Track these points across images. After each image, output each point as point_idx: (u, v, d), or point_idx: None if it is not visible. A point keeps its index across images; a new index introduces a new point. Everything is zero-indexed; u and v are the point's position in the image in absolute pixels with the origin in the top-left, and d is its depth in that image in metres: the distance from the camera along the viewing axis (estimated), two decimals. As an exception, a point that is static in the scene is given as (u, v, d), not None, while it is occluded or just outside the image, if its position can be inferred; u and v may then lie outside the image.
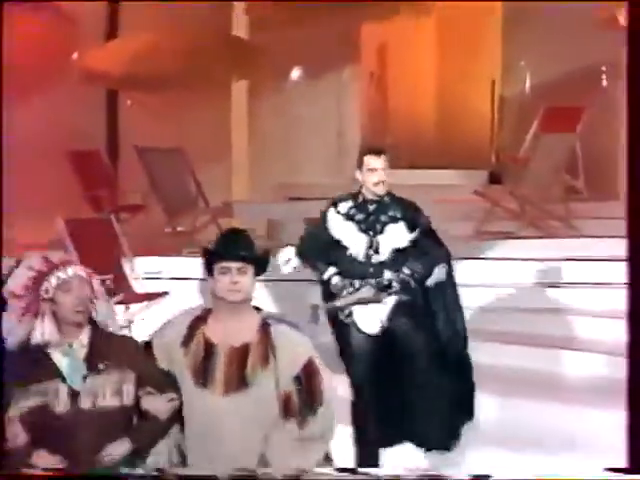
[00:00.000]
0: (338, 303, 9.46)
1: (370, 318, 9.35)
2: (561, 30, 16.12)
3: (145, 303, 12.13)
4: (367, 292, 9.39)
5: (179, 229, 14.57)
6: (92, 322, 6.83)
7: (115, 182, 15.42)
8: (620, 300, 11.65)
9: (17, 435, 6.82)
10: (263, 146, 16.68)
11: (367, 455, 9.31)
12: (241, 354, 6.91)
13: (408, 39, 16.94)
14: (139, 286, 12.48)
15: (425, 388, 9.47)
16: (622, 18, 14.95)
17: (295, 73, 17.00)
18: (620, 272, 11.94)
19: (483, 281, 11.07)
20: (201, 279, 10.38)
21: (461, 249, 10.58)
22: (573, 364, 11.33)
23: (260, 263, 6.88)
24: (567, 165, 14.89)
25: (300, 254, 9.63)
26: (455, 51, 16.94)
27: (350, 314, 9.36)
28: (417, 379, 9.43)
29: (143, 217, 14.52)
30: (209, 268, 6.83)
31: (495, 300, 11.92)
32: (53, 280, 6.80)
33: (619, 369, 9.82)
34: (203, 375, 6.92)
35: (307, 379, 6.92)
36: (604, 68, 16.36)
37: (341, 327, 9.43)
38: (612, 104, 15.75)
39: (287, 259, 9.60)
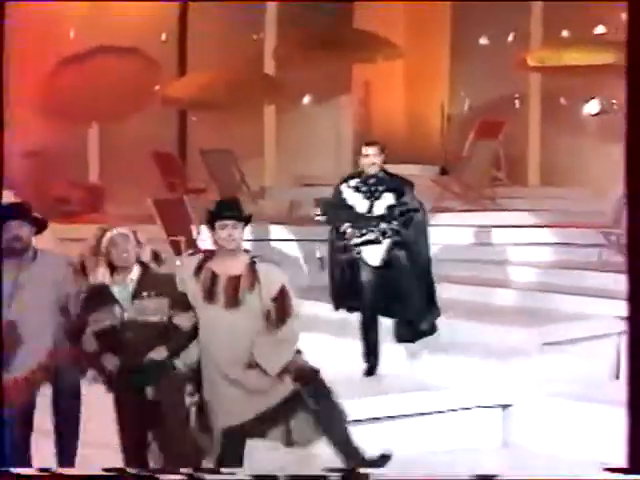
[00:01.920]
0: (352, 242, 9.44)
1: (373, 254, 9.46)
2: (488, 70, 16.41)
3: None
4: (370, 236, 9.43)
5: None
6: (141, 263, 6.97)
7: (184, 173, 15.74)
8: (528, 252, 12.58)
9: (92, 344, 6.85)
10: (285, 149, 16.79)
11: (370, 348, 9.51)
12: (235, 281, 6.94)
13: (384, 76, 16.91)
14: (201, 244, 12.12)
15: (407, 299, 9.51)
16: (530, 60, 15.17)
17: (306, 99, 17.20)
18: (527, 234, 12.95)
19: (438, 241, 10.90)
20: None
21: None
22: (499, 297, 11.43)
23: (246, 221, 7.03)
24: (493, 161, 15.45)
25: (324, 215, 9.73)
26: (417, 84, 17.03)
27: (359, 252, 9.44)
28: (402, 294, 9.49)
29: (204, 197, 14.31)
30: (212, 225, 6.96)
31: (446, 253, 11.94)
32: (104, 241, 6.83)
33: (530, 300, 11.11)
34: (210, 295, 6.92)
35: (281, 299, 6.96)
36: (517, 95, 16.64)
37: (350, 263, 9.53)
38: (523, 120, 16.45)
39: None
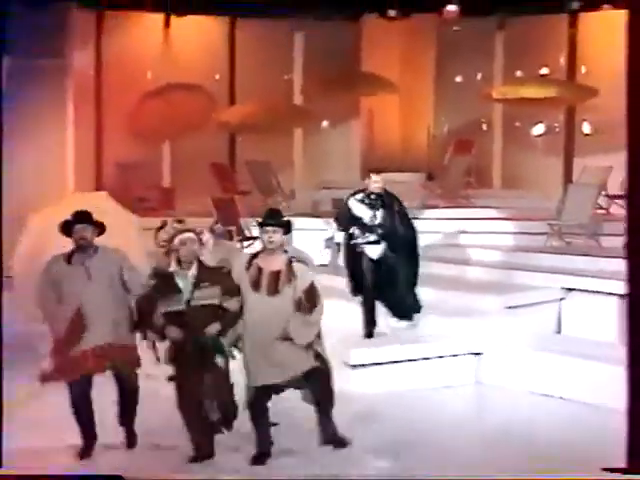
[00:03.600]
0: (358, 241, 9.48)
1: (374, 251, 9.48)
2: (462, 101, 16.31)
3: (251, 241, 12.12)
4: (371, 238, 9.46)
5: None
6: (199, 261, 6.90)
7: (234, 179, 15.60)
8: (493, 239, 12.25)
9: (160, 321, 6.77)
10: (309, 161, 16.72)
11: (369, 319, 9.50)
12: (276, 275, 6.88)
13: (384, 106, 16.64)
14: (248, 233, 12.42)
15: (399, 285, 9.52)
16: (494, 94, 15.15)
17: (325, 123, 16.95)
18: (492, 225, 12.74)
19: (426, 230, 10.82)
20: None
21: (413, 213, 10.55)
22: (472, 273, 11.30)
23: (286, 227, 6.94)
24: (466, 170, 15.29)
25: (338, 224, 9.65)
26: (409, 112, 16.70)
27: (362, 249, 9.47)
28: (395, 281, 9.52)
29: (249, 197, 14.42)
30: (260, 229, 6.93)
31: (433, 239, 11.80)
32: (177, 240, 6.82)
33: (495, 275, 10.94)
34: (256, 284, 6.86)
35: (309, 292, 6.90)
36: (484, 120, 16.44)
37: (357, 255, 9.54)
38: (488, 139, 16.33)
39: (333, 235, 9.65)
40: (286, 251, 7.02)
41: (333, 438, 7.06)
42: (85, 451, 7.00)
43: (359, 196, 9.52)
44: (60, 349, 6.86)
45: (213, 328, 6.75)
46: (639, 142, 5.61)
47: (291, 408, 7.34)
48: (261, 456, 6.91)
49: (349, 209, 9.57)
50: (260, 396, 6.89)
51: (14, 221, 11.86)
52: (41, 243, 8.87)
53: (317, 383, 6.93)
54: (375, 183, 9.41)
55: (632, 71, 5.78)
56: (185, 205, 13.64)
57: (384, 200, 9.47)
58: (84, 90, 14.25)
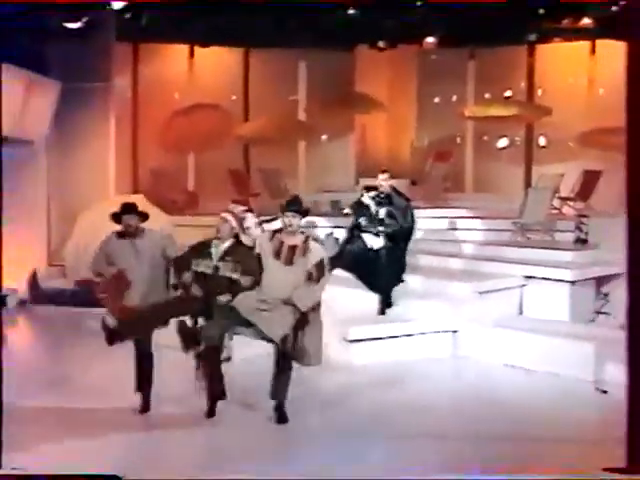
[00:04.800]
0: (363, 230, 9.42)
1: (374, 241, 9.47)
2: (440, 119, 16.16)
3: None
4: (373, 231, 9.43)
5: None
6: (236, 237, 6.93)
7: (248, 183, 15.45)
8: (467, 235, 12.04)
9: (189, 278, 6.77)
10: (311, 169, 16.48)
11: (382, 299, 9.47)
12: (293, 249, 6.81)
13: (375, 122, 16.35)
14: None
15: (386, 269, 9.46)
16: (466, 113, 15.15)
17: (324, 137, 16.69)
18: (466, 223, 12.41)
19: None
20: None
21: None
22: (450, 263, 11.09)
23: (303, 213, 6.93)
24: (444, 177, 15.16)
25: (354, 212, 9.64)
26: (395, 127, 16.44)
27: (364, 238, 9.45)
28: (386, 265, 9.49)
29: (260, 197, 14.32)
30: (282, 213, 6.85)
31: (416, 235, 11.29)
32: (217, 222, 6.89)
33: (469, 265, 10.78)
34: (277, 254, 6.80)
35: (319, 265, 6.81)
36: (458, 134, 16.24)
37: (359, 243, 9.53)
38: (462, 150, 16.14)
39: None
40: (302, 232, 6.95)
41: (278, 405, 6.80)
42: (143, 408, 6.96)
43: (372, 194, 9.50)
44: (115, 294, 6.90)
45: (224, 298, 6.69)
46: (639, 142, 5.03)
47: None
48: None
49: (362, 203, 9.54)
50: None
51: (67, 219, 12.54)
52: (89, 236, 8.94)
53: (286, 348, 6.71)
54: (382, 181, 9.44)
55: (632, 70, 5.21)
56: (207, 206, 13.55)
57: (391, 199, 9.42)
58: (123, 109, 14.24)
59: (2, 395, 5.56)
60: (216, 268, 6.76)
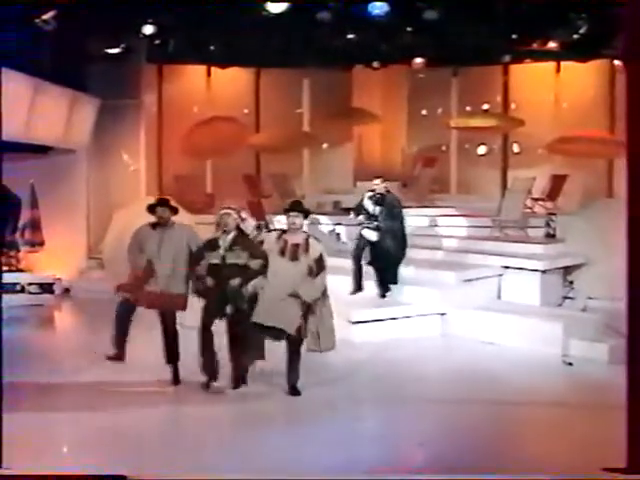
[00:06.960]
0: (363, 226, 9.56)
1: (372, 235, 9.56)
2: (428, 129, 16.12)
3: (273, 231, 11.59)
4: (371, 226, 9.53)
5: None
6: (239, 229, 6.86)
7: (260, 186, 15.17)
8: (451, 231, 12.03)
9: (203, 270, 6.75)
10: (315, 173, 16.26)
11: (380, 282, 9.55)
12: (296, 247, 6.77)
13: (370, 132, 16.36)
14: (271, 225, 11.97)
15: (386, 261, 9.56)
16: (451, 123, 15.03)
17: (326, 145, 16.35)
18: (451, 221, 12.46)
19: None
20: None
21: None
22: (437, 255, 11.13)
23: (305, 213, 6.91)
24: (431, 180, 15.03)
25: (355, 213, 9.77)
26: (388, 137, 16.42)
27: (362, 232, 9.59)
28: (383, 256, 9.57)
29: (271, 199, 14.13)
30: (286, 214, 6.88)
31: (408, 231, 11.24)
32: (219, 216, 6.86)
33: (454, 257, 10.71)
34: (282, 252, 6.75)
35: (319, 261, 6.76)
36: (443, 143, 15.98)
37: (360, 236, 9.66)
38: (447, 157, 15.98)
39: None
40: (304, 231, 6.94)
41: (292, 386, 6.83)
42: (117, 356, 6.96)
43: (369, 194, 9.61)
44: (137, 285, 6.96)
45: (236, 281, 6.68)
46: (639, 143, 4.72)
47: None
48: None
49: (362, 202, 9.63)
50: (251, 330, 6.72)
51: (104, 217, 12.67)
52: (123, 233, 8.88)
53: (295, 339, 6.72)
54: (376, 185, 9.55)
55: (632, 71, 4.90)
56: (223, 206, 13.71)
57: (385, 199, 9.51)
58: (151, 122, 14.31)
59: (2, 397, 5.09)
60: (224, 258, 6.69)
